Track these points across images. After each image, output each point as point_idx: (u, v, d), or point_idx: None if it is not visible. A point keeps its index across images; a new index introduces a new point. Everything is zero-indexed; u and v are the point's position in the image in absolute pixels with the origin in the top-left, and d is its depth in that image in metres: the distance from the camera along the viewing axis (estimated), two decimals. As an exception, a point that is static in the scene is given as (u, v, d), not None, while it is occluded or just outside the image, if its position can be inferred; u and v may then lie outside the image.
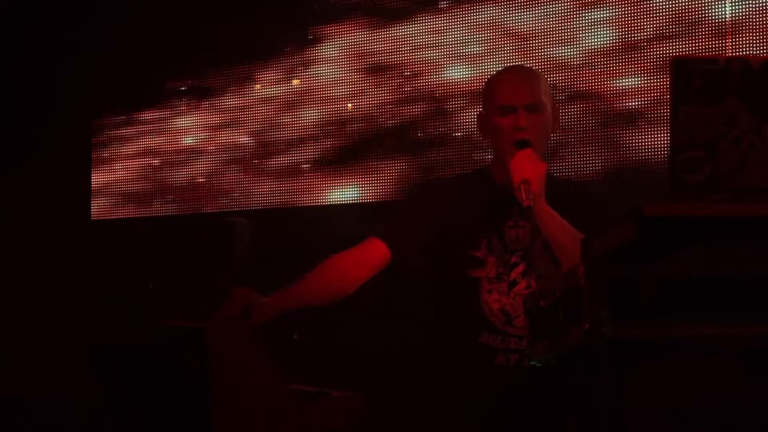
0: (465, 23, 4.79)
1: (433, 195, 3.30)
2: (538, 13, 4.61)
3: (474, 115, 3.47)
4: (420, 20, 4.89)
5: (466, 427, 3.15)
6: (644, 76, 4.38)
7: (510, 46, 4.65)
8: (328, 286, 3.15)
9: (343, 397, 2.73)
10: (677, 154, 1.91)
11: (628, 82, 4.42)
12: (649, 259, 1.95)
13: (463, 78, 4.76)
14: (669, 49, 4.31)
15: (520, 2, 4.65)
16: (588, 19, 4.50)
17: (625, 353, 2.05)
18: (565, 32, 4.55)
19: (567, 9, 4.54)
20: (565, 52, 4.54)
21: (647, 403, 3.45)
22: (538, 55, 4.59)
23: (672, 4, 4.33)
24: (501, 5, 4.69)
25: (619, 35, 4.44)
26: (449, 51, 4.80)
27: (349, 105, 5.07)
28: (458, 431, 3.16)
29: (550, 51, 4.57)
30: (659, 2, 4.35)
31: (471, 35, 4.77)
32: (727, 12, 4.23)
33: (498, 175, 3.20)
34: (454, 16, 4.82)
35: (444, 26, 4.83)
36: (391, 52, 4.96)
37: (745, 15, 4.19)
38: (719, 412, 3.62)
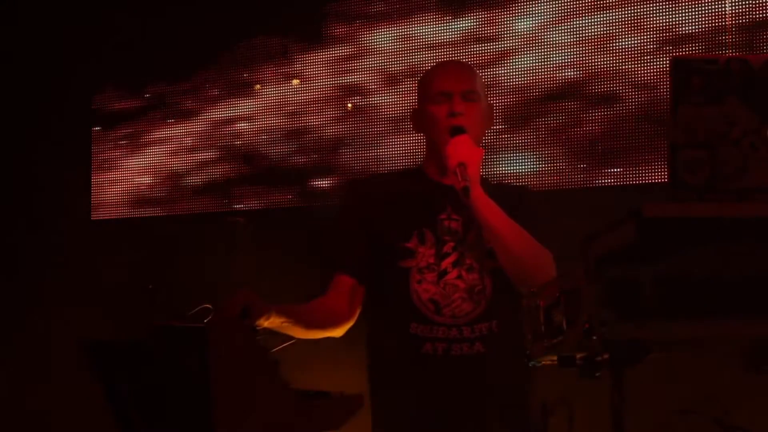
0: (466, 26, 4.79)
1: (365, 196, 3.26)
2: (539, 16, 4.62)
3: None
4: (422, 22, 4.90)
5: (394, 416, 3.14)
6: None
7: (511, 48, 4.65)
8: (319, 318, 3.16)
9: (343, 397, 2.73)
10: (677, 154, 1.91)
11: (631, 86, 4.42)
12: (649, 259, 1.95)
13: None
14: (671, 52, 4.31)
15: (523, 6, 4.65)
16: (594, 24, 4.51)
17: (625, 353, 2.05)
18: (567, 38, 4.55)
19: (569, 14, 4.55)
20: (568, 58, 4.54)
21: (647, 403, 3.45)
22: (541, 59, 4.59)
23: (672, 5, 4.34)
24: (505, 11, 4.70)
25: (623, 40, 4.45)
26: (451, 53, 4.80)
27: (349, 105, 5.07)
28: (387, 421, 3.16)
29: (551, 57, 4.57)
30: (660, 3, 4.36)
31: (472, 38, 4.77)
32: (726, 11, 4.23)
33: (431, 172, 3.19)
34: (455, 19, 4.82)
35: (445, 28, 4.84)
36: (392, 53, 4.97)
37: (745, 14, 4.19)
38: (719, 412, 3.62)
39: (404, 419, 3.12)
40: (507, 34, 4.68)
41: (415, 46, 4.92)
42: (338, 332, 3.24)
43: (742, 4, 4.22)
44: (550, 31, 4.59)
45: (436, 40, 4.87)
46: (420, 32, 4.91)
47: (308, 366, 3.68)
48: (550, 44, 4.58)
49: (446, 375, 3.07)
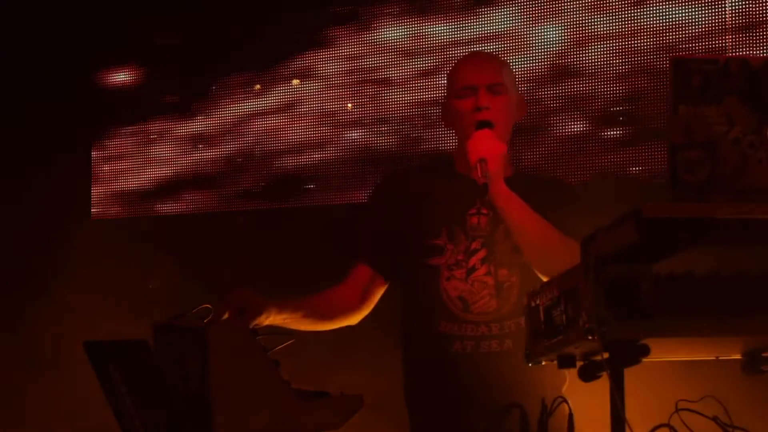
0: (466, 28, 4.80)
1: (394, 191, 3.25)
2: (541, 17, 4.62)
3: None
4: (425, 24, 4.90)
5: (428, 414, 3.14)
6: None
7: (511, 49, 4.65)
8: (323, 318, 3.16)
9: (343, 397, 2.73)
10: (677, 154, 1.91)
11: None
12: (649, 259, 1.95)
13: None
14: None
15: (522, 7, 4.65)
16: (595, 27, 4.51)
17: (625, 353, 2.05)
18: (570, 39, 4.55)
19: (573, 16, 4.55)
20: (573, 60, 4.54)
21: (647, 403, 3.45)
22: (542, 61, 4.59)
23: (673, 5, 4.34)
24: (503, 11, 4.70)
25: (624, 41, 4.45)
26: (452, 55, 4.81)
27: (349, 105, 5.07)
28: (419, 419, 3.16)
29: (556, 57, 4.57)
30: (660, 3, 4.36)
31: (470, 39, 4.77)
32: (726, 11, 4.23)
33: (461, 166, 3.16)
34: (456, 21, 4.83)
35: (447, 30, 4.84)
36: (392, 54, 4.96)
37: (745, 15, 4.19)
38: (719, 412, 3.61)
39: (438, 417, 3.12)
40: (508, 33, 4.68)
41: (419, 46, 4.92)
42: (351, 321, 3.23)
43: (742, 4, 4.22)
44: (549, 31, 4.59)
45: (440, 41, 4.88)
46: (423, 33, 4.91)
47: (308, 366, 3.68)
48: (548, 44, 4.58)
49: (476, 372, 3.05)
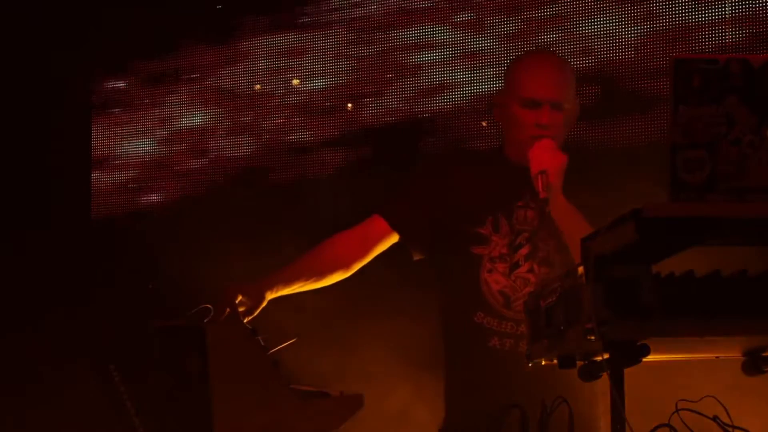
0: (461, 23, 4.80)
1: (441, 168, 3.26)
2: (543, 14, 4.62)
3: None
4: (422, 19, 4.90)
5: (462, 404, 3.15)
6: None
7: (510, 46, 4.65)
8: (321, 266, 3.15)
9: (343, 397, 2.74)
10: (677, 154, 1.91)
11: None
12: (649, 260, 1.95)
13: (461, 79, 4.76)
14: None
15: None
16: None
17: (625, 353, 2.05)
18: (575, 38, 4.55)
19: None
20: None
21: (647, 403, 3.45)
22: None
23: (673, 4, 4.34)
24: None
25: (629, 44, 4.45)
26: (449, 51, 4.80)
27: (349, 105, 5.07)
28: (455, 408, 3.17)
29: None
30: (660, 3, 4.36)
31: (469, 35, 4.77)
32: (726, 11, 4.23)
33: (512, 154, 3.15)
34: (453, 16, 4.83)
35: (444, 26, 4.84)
36: (391, 50, 4.96)
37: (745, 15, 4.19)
38: (719, 411, 3.61)
39: (473, 408, 3.12)
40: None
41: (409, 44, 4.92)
42: (346, 272, 3.22)
43: (742, 4, 4.21)
44: (547, 30, 4.59)
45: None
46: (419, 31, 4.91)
47: (308, 366, 3.68)
48: (546, 43, 4.58)
49: (513, 370, 3.04)
